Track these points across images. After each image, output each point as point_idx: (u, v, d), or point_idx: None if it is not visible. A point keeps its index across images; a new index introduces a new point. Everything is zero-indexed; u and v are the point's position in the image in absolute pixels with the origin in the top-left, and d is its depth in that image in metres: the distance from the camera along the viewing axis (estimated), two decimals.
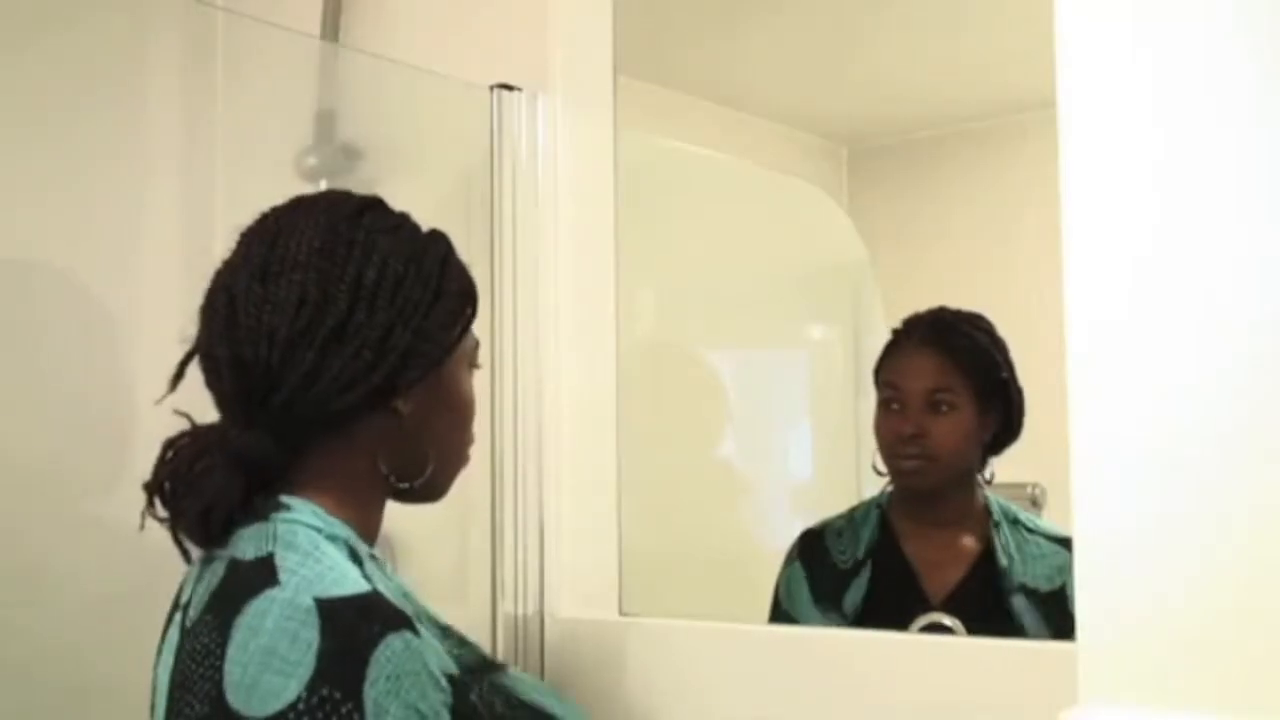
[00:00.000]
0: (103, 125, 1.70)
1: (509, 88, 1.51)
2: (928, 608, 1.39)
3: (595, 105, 1.51)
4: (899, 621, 1.38)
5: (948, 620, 1.36)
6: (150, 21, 1.82)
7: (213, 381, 1.04)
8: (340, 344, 0.99)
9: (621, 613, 1.45)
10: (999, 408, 1.42)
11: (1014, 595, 1.38)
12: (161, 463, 1.03)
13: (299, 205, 1.08)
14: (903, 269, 1.72)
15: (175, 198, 1.81)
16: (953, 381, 1.43)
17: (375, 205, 1.08)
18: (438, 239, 1.09)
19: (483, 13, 1.60)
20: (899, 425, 1.45)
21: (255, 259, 1.03)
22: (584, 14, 1.52)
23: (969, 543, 1.44)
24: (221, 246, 1.08)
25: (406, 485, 1.07)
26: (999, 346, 1.42)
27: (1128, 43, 0.86)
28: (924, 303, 1.50)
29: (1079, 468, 0.87)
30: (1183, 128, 0.84)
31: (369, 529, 1.07)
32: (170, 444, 1.03)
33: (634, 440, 1.46)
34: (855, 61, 1.82)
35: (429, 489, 1.10)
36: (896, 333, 1.50)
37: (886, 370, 1.49)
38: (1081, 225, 0.87)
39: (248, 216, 1.09)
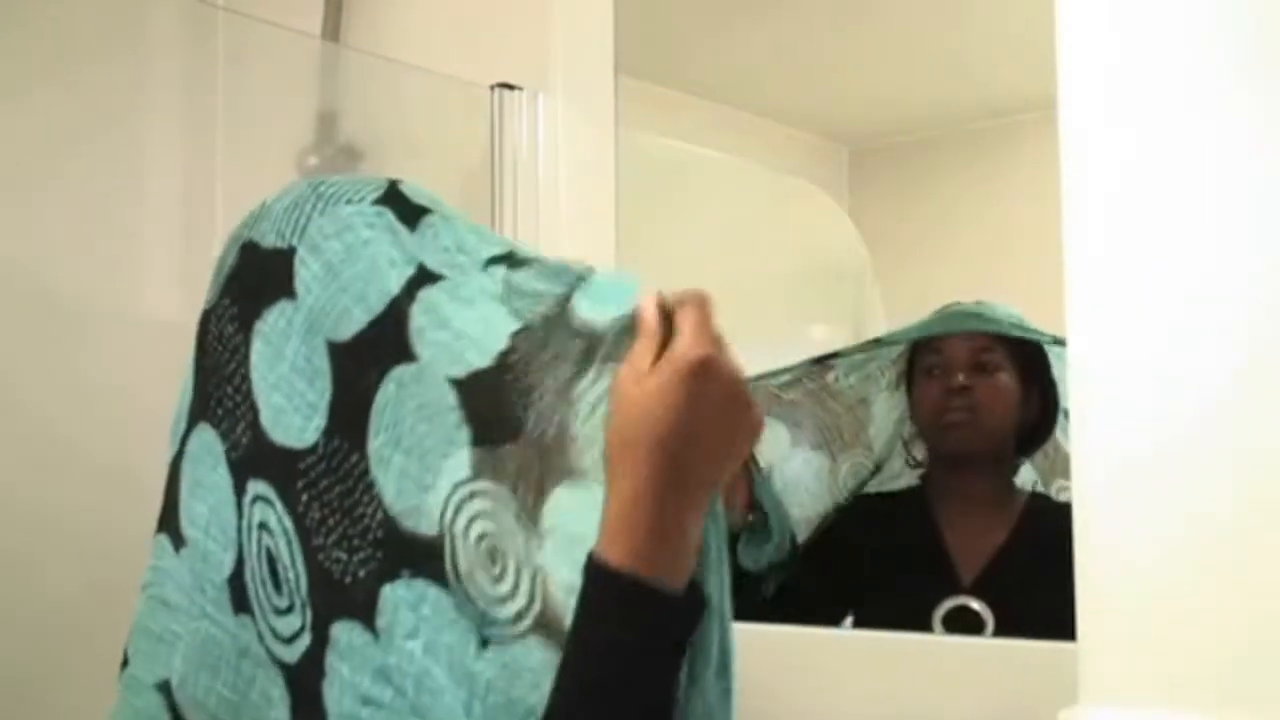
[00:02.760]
0: (103, 124, 1.70)
1: (509, 87, 1.51)
2: (958, 589, 1.38)
3: (596, 105, 1.51)
4: (926, 600, 1.36)
5: (975, 604, 1.35)
6: (150, 21, 1.82)
7: None
8: None
9: None
10: (1036, 386, 1.43)
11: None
12: None
13: None
14: (903, 269, 1.72)
15: (176, 198, 1.81)
16: (995, 344, 1.45)
17: None
18: None
19: (483, 13, 1.60)
20: (945, 382, 1.46)
21: None
22: (584, 14, 1.52)
23: (1002, 529, 1.43)
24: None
25: None
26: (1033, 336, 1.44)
27: (1128, 43, 0.86)
28: (924, 302, 1.50)
29: (1079, 473, 0.87)
30: (1183, 127, 0.84)
31: None
32: None
33: None
34: (855, 61, 1.82)
35: None
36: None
37: (928, 342, 1.50)
38: (1081, 225, 0.87)
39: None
